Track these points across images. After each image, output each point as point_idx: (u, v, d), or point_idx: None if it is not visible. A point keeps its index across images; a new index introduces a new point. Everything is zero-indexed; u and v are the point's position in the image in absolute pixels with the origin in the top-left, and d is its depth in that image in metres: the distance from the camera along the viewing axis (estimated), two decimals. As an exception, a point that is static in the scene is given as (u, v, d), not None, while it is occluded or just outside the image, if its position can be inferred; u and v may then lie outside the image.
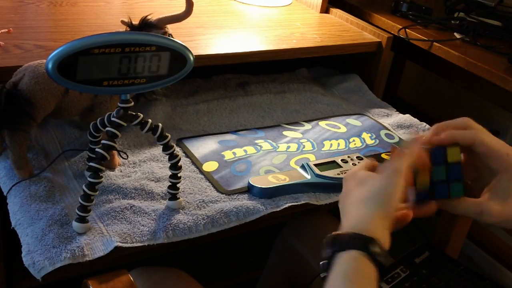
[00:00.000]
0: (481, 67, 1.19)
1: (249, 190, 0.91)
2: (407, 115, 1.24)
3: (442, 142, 0.68)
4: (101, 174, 0.76)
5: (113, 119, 0.76)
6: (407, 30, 1.35)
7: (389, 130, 1.17)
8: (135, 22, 0.92)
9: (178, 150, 0.83)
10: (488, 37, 1.36)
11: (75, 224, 0.77)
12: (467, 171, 0.70)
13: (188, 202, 0.86)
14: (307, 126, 1.15)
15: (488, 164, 0.68)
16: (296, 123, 1.16)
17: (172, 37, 0.93)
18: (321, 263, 0.59)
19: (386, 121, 1.22)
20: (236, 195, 0.90)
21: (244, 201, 0.88)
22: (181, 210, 0.85)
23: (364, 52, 1.33)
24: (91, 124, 0.82)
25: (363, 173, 0.67)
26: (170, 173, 0.84)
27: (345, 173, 0.93)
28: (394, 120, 1.22)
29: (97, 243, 0.76)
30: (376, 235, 0.58)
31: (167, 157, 0.82)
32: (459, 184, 0.69)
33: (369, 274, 0.56)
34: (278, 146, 1.05)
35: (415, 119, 1.22)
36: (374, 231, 0.58)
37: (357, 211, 0.61)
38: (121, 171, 0.93)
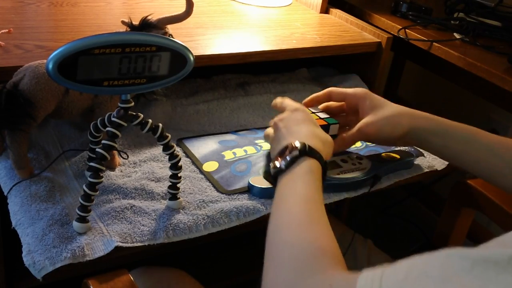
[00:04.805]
0: (480, 67, 1.19)
1: (249, 190, 0.91)
2: (407, 115, 1.23)
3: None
4: (101, 174, 0.76)
5: (113, 119, 0.76)
6: (407, 30, 1.36)
7: (389, 130, 1.17)
8: (136, 22, 0.93)
9: (178, 150, 0.83)
10: (487, 37, 1.37)
11: (75, 224, 0.77)
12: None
13: (188, 202, 0.87)
14: (307, 126, 1.15)
15: (355, 104, 0.90)
16: (296, 123, 1.16)
17: (172, 37, 0.93)
18: (278, 164, 0.72)
19: (386, 121, 1.21)
20: (236, 195, 0.90)
21: (244, 201, 0.88)
22: (181, 210, 0.85)
23: (364, 52, 1.33)
24: (91, 124, 0.82)
25: (286, 114, 0.84)
26: (170, 173, 0.84)
27: (345, 173, 0.93)
28: (394, 120, 1.21)
29: (97, 243, 0.76)
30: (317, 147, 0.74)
31: (167, 157, 0.83)
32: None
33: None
34: (278, 146, 1.05)
35: (415, 119, 1.22)
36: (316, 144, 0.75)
37: (300, 129, 0.79)
38: (121, 171, 0.93)
